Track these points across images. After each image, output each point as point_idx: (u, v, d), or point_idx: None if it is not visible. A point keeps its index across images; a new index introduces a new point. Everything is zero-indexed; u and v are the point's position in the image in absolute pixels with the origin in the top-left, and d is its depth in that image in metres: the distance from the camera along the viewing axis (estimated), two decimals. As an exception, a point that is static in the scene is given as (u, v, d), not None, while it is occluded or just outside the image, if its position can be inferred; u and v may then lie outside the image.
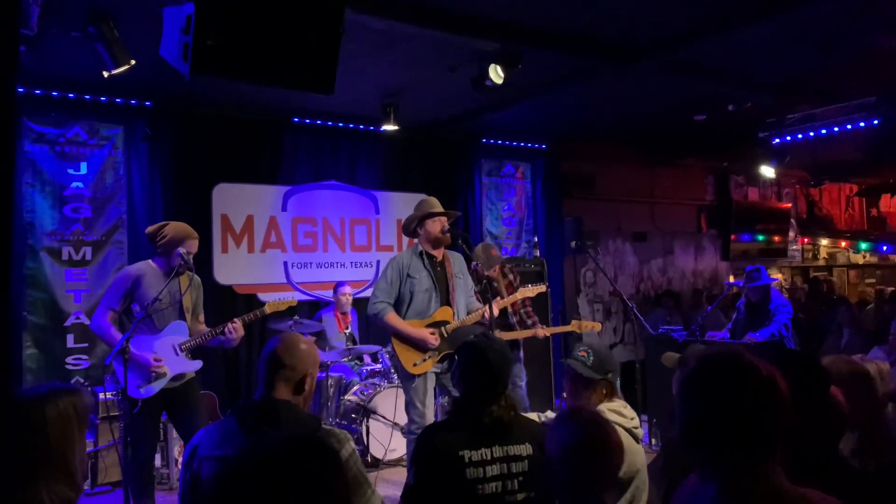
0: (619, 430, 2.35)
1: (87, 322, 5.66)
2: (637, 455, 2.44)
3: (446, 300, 4.42)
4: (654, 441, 6.04)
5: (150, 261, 4.10)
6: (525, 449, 2.38)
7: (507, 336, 5.09)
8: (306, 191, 7.08)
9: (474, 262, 4.66)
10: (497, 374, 2.44)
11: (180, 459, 5.29)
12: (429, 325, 4.33)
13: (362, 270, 7.37)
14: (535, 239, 8.27)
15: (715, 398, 1.42)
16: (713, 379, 1.45)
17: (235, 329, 4.04)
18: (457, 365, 2.58)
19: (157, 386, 3.93)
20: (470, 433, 2.37)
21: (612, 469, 1.95)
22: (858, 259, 13.64)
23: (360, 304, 6.65)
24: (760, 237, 11.46)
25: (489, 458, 2.33)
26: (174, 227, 4.03)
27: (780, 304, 5.83)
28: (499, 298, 4.53)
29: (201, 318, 4.28)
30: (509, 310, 5.50)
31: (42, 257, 5.66)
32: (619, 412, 2.49)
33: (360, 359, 6.39)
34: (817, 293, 10.82)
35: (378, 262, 7.39)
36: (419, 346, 4.28)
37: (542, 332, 5.42)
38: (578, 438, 1.93)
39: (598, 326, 5.45)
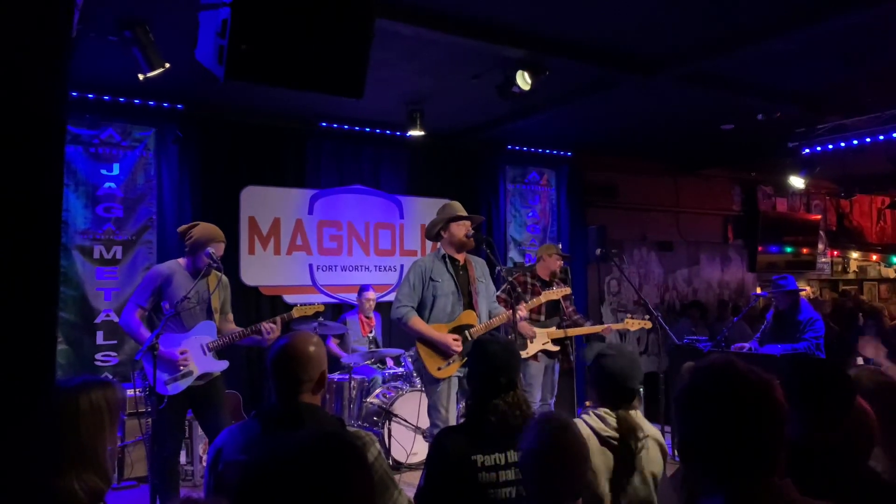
0: (592, 436, 2.39)
1: (116, 319, 5.77)
2: (599, 458, 2.40)
3: (469, 304, 4.41)
4: (677, 452, 5.97)
5: (179, 260, 4.17)
6: None
7: (572, 332, 5.44)
8: (332, 194, 7.14)
9: (498, 268, 4.68)
10: (499, 365, 2.44)
11: (205, 457, 5.38)
12: (453, 330, 4.33)
13: (386, 274, 7.41)
14: (560, 246, 8.27)
15: (711, 410, 1.39)
16: (708, 391, 1.42)
17: (273, 329, 4.09)
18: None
19: (184, 384, 3.99)
20: (481, 436, 2.37)
21: (573, 476, 1.94)
22: (890, 273, 13.39)
23: (383, 307, 6.70)
24: (788, 249, 11.31)
25: (503, 462, 2.32)
26: (202, 229, 4.10)
27: (811, 318, 5.63)
28: (523, 303, 4.54)
29: (230, 317, 4.34)
30: (564, 312, 5.58)
31: (74, 255, 5.79)
32: (602, 418, 2.46)
33: (383, 362, 6.43)
34: (843, 307, 10.63)
35: (402, 266, 7.43)
36: (442, 350, 4.30)
37: (608, 328, 5.67)
38: (540, 444, 1.95)
39: (647, 324, 5.58)
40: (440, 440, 2.47)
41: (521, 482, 2.31)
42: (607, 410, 2.47)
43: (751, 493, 1.35)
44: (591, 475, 2.33)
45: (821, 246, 11.91)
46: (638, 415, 2.54)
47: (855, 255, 12.75)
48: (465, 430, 2.50)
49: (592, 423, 2.44)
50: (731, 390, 1.39)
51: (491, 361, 2.46)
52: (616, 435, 2.43)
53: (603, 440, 2.41)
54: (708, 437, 1.39)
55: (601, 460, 2.38)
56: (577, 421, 2.47)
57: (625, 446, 2.44)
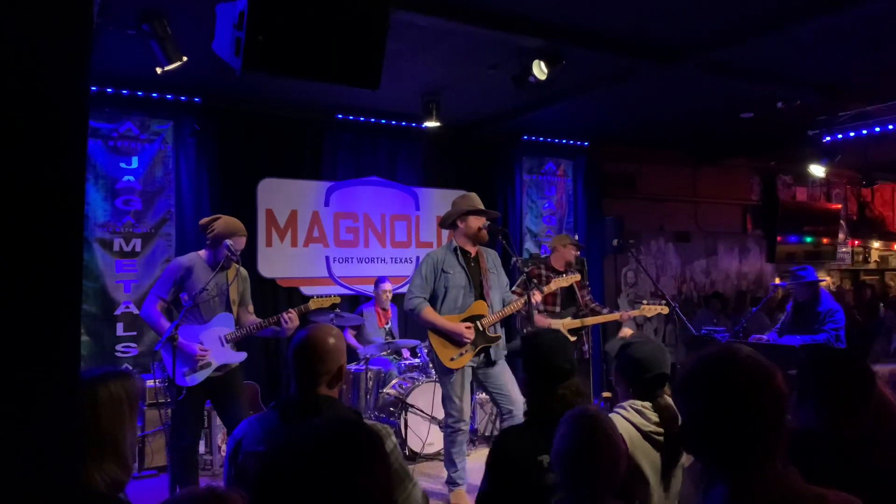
0: (634, 432, 2.32)
1: (135, 311, 5.84)
2: (642, 455, 2.34)
3: (480, 295, 4.44)
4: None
5: (199, 252, 4.21)
6: None
7: (588, 321, 5.45)
8: (348, 186, 7.16)
9: (514, 259, 4.68)
10: (558, 351, 2.39)
11: (223, 446, 5.44)
12: (464, 320, 4.35)
13: (402, 266, 7.42)
14: (576, 237, 8.23)
15: (711, 397, 1.39)
16: (707, 378, 1.42)
17: (291, 319, 4.13)
18: (520, 367, 2.53)
19: (202, 375, 4.03)
20: (545, 435, 2.24)
21: (607, 475, 1.87)
22: (911, 263, 13.22)
23: (399, 299, 6.72)
24: (808, 239, 11.17)
25: None
26: (223, 222, 4.13)
27: (831, 308, 5.51)
28: (535, 291, 4.53)
29: (251, 308, 4.38)
30: (580, 301, 5.56)
31: (94, 248, 5.85)
32: (641, 412, 2.40)
33: (399, 353, 6.45)
34: (863, 297, 10.52)
35: (417, 257, 7.44)
36: (455, 340, 4.31)
37: (626, 314, 5.62)
38: (573, 441, 1.89)
39: (664, 309, 5.50)
40: (501, 441, 2.37)
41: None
42: (644, 403, 2.41)
43: (754, 482, 1.34)
44: (634, 469, 2.28)
45: (841, 235, 11.76)
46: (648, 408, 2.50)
47: (876, 244, 12.58)
48: (526, 428, 2.39)
49: (632, 419, 2.37)
50: (729, 377, 1.39)
51: (549, 350, 2.40)
52: (659, 429, 2.37)
53: (645, 435, 2.35)
54: (708, 425, 1.39)
55: (644, 455, 2.33)
56: (614, 416, 2.39)
57: (671, 436, 2.38)
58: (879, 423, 1.96)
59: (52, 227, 1.13)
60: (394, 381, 5.92)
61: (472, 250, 4.50)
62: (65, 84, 1.16)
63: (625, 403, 2.45)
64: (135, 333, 5.97)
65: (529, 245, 8.32)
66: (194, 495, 1.39)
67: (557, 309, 5.52)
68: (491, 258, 4.60)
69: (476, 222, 4.43)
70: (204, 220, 4.20)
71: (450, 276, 4.39)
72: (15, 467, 1.05)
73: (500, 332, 4.55)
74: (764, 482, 1.35)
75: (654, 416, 2.39)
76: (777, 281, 10.37)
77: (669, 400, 2.49)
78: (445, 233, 7.42)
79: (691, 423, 1.44)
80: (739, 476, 1.36)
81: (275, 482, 1.23)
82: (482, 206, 4.50)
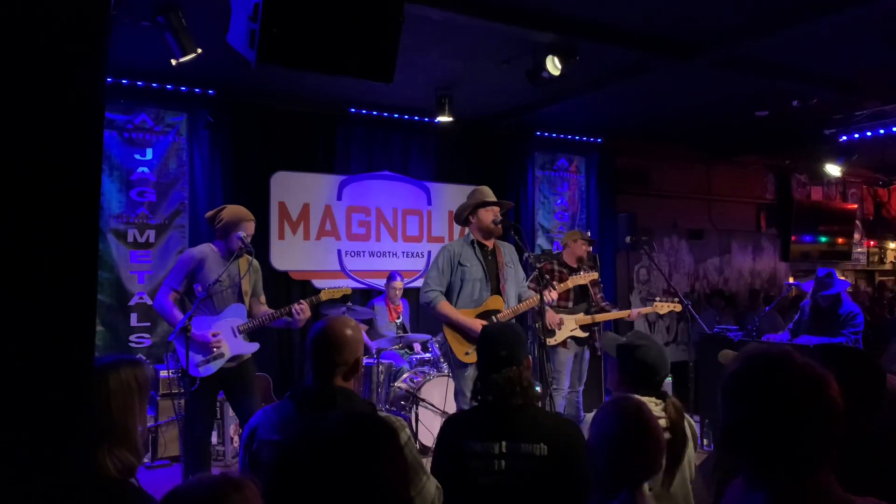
0: None
1: (149, 302, 5.88)
2: None
3: (497, 289, 4.42)
4: (706, 441, 5.94)
5: (210, 244, 4.23)
6: (538, 449, 2.25)
7: (600, 318, 5.36)
8: (361, 180, 7.17)
9: (526, 254, 4.66)
10: (498, 340, 2.42)
11: (236, 437, 5.48)
12: (480, 315, 4.34)
13: (414, 260, 7.44)
14: (588, 234, 8.20)
15: (762, 401, 1.32)
16: (760, 380, 1.34)
17: (303, 310, 4.14)
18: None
19: (215, 366, 4.05)
20: (478, 422, 2.34)
21: (650, 460, 1.91)
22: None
23: (411, 293, 6.73)
24: (823, 238, 11.07)
25: (496, 452, 2.26)
26: (230, 211, 4.15)
27: (851, 311, 5.43)
28: (550, 290, 4.51)
29: (262, 299, 4.39)
30: (592, 298, 5.54)
31: (109, 239, 5.90)
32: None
33: (410, 347, 6.46)
34: (881, 299, 10.42)
35: (429, 252, 7.45)
36: (470, 335, 4.30)
37: (635, 312, 5.57)
38: (621, 426, 1.91)
39: (677, 307, 5.44)
40: (442, 425, 2.51)
41: (518, 473, 2.25)
42: (648, 398, 2.39)
43: (794, 493, 1.28)
44: None
45: (857, 235, 11.66)
46: (656, 403, 2.51)
47: (892, 245, 12.46)
48: (465, 415, 2.52)
49: None
50: (785, 382, 1.31)
51: (490, 339, 2.46)
52: (664, 424, 2.36)
53: None
54: (756, 430, 1.32)
55: None
56: None
57: (678, 432, 2.39)
58: (891, 421, 1.95)
59: (69, 218, 1.14)
60: (405, 375, 5.93)
61: (489, 244, 4.48)
62: (82, 75, 1.17)
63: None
64: (148, 324, 6.02)
65: (541, 241, 8.30)
66: (209, 481, 1.41)
67: (570, 304, 5.50)
68: (508, 252, 4.58)
69: (487, 216, 4.40)
70: (210, 213, 4.21)
71: (466, 270, 4.37)
72: (31, 452, 1.07)
73: None
74: (805, 494, 1.28)
75: (659, 412, 2.39)
76: (791, 280, 10.29)
77: (674, 399, 2.51)
78: (457, 228, 7.42)
79: (735, 426, 1.36)
80: (780, 485, 1.29)
81: (290, 473, 1.24)
82: (493, 199, 4.47)
